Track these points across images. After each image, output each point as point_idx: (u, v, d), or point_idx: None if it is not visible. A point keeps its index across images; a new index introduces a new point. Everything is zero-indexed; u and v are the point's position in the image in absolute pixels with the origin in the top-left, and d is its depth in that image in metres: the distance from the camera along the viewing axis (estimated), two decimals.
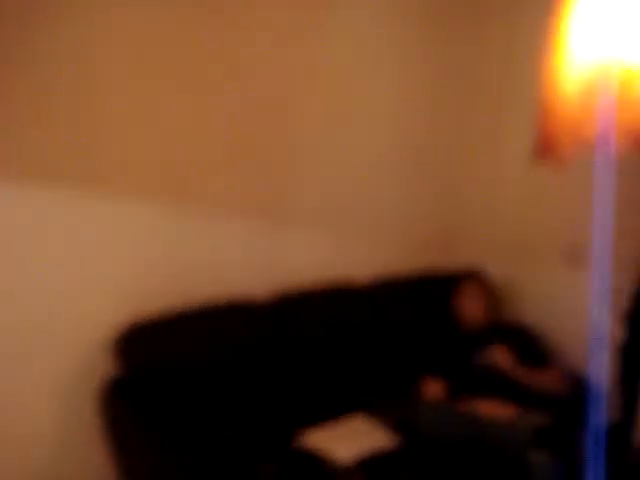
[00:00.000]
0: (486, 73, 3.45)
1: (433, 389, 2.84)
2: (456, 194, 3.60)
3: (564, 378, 2.82)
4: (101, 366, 2.67)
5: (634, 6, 1.99)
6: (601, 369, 2.94)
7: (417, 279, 3.37)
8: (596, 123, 2.00)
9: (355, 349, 3.08)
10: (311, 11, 2.96)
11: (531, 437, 2.56)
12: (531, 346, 3.15)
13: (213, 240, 2.90)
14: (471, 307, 3.14)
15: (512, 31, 3.28)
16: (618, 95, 1.98)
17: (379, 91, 3.25)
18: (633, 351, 3.04)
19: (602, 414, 2.85)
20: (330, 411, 2.81)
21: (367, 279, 3.26)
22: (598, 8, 2.00)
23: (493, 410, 2.71)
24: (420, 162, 3.47)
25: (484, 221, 3.57)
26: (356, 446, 2.60)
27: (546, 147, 2.11)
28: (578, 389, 2.59)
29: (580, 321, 2.76)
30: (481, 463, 2.57)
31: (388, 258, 3.39)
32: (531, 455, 2.50)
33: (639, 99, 1.95)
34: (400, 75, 3.30)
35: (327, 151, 3.15)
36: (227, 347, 2.75)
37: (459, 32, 3.39)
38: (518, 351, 2.97)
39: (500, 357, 2.92)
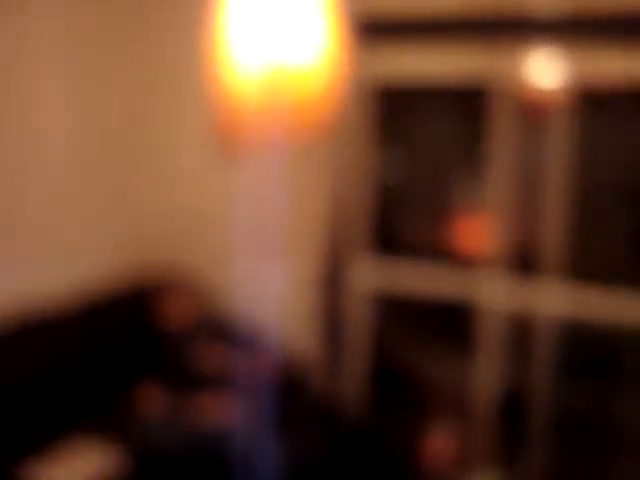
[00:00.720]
0: (160, 74, 3.41)
1: (150, 397, 2.82)
2: (150, 198, 3.48)
3: (274, 363, 2.96)
4: None
5: (295, 8, 2.13)
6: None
7: (117, 291, 3.24)
8: (270, 120, 2.11)
9: (65, 374, 2.91)
10: None
11: (252, 434, 2.65)
12: (241, 337, 3.23)
13: None
14: (174, 311, 3.14)
15: (179, 26, 3.30)
16: (288, 93, 2.11)
17: (47, 93, 3.07)
18: (334, 326, 3.30)
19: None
20: (49, 440, 2.65)
21: (68, 297, 3.04)
22: (261, 10, 2.10)
23: (212, 412, 2.76)
24: (103, 167, 3.31)
25: (182, 222, 3.49)
26: (80, 473, 2.48)
27: (225, 143, 2.19)
28: (289, 371, 2.74)
29: (285, 306, 2.92)
30: (210, 471, 2.60)
31: (88, 271, 3.19)
32: (254, 451, 2.59)
33: (306, 97, 2.10)
34: (74, 76, 3.16)
35: None
36: None
37: (128, 32, 3.34)
38: (227, 344, 3.05)
39: (208, 354, 2.98)
